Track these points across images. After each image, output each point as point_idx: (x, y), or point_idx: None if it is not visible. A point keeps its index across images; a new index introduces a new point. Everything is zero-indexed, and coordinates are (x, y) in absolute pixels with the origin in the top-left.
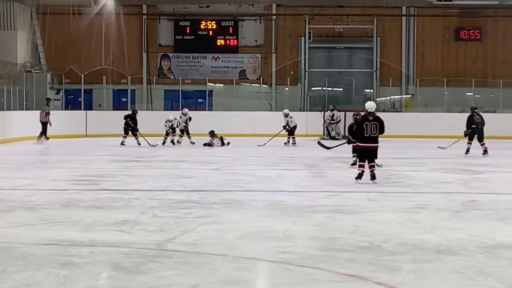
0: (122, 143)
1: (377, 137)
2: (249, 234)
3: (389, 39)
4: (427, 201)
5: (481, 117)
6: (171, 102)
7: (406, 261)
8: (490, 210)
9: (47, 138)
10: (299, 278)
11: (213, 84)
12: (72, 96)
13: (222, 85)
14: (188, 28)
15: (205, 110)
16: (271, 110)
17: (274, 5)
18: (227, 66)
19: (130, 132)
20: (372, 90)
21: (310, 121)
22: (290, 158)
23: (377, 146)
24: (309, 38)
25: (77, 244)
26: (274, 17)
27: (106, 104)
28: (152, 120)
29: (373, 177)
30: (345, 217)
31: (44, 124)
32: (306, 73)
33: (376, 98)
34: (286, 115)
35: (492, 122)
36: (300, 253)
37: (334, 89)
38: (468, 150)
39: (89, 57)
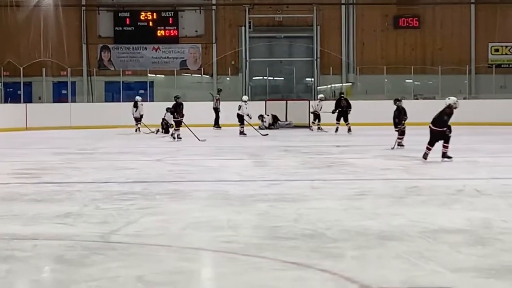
0: (178, 137)
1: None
2: (193, 225)
3: (328, 28)
4: (370, 187)
5: (347, 101)
6: (112, 93)
7: (349, 248)
8: (431, 196)
9: (219, 127)
10: (244, 267)
11: (154, 75)
12: (11, 89)
13: (163, 76)
14: (127, 19)
15: (146, 101)
16: (213, 100)
17: None
18: (167, 57)
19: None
20: (312, 79)
21: (251, 110)
22: (233, 148)
23: (443, 130)
24: (250, 27)
25: (20, 238)
26: (214, 7)
27: (46, 97)
28: (91, 111)
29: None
30: (288, 205)
31: (216, 111)
32: (247, 62)
33: (317, 86)
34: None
35: (431, 109)
36: (244, 242)
37: (275, 78)
38: (337, 129)
39: (28, 49)
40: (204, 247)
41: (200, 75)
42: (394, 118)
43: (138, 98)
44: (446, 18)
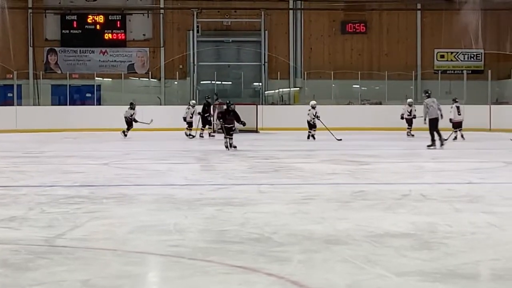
0: (211, 135)
1: None
2: (140, 228)
3: (276, 33)
4: (316, 192)
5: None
6: (59, 97)
7: (296, 252)
8: (376, 200)
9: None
10: (190, 271)
11: (101, 79)
12: None
13: (110, 79)
14: (75, 22)
15: (93, 104)
16: (160, 104)
17: None
18: (115, 60)
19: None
20: (260, 83)
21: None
22: (180, 151)
23: None
24: (198, 31)
25: None
26: (162, 11)
27: None
28: (38, 114)
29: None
30: (235, 209)
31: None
32: (195, 66)
33: (265, 91)
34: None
35: (378, 113)
36: (190, 246)
37: (223, 82)
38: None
39: None
40: (150, 251)
41: (147, 79)
42: None
43: (193, 102)
44: (392, 24)
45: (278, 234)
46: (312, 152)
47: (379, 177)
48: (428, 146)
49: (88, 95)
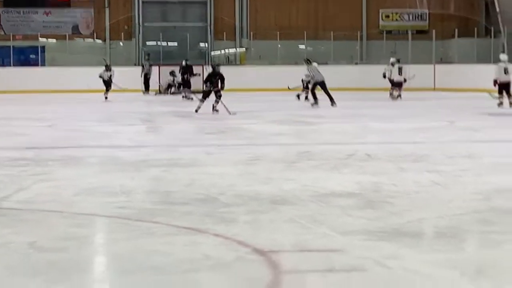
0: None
1: None
2: (86, 191)
3: None
4: (263, 153)
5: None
6: (2, 58)
7: (242, 213)
8: (322, 160)
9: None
10: (137, 232)
11: (45, 40)
12: None
13: (54, 40)
14: None
15: (37, 66)
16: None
17: None
18: (59, 21)
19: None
20: (206, 44)
21: None
22: (126, 113)
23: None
24: None
25: None
26: None
27: None
28: None
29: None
30: (181, 170)
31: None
32: (141, 27)
33: (211, 52)
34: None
35: (324, 74)
36: (137, 208)
37: (168, 43)
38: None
39: None
40: (96, 213)
41: (92, 40)
42: None
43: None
44: None
45: (225, 195)
46: (259, 113)
47: (325, 138)
48: (312, 104)
49: (32, 56)
